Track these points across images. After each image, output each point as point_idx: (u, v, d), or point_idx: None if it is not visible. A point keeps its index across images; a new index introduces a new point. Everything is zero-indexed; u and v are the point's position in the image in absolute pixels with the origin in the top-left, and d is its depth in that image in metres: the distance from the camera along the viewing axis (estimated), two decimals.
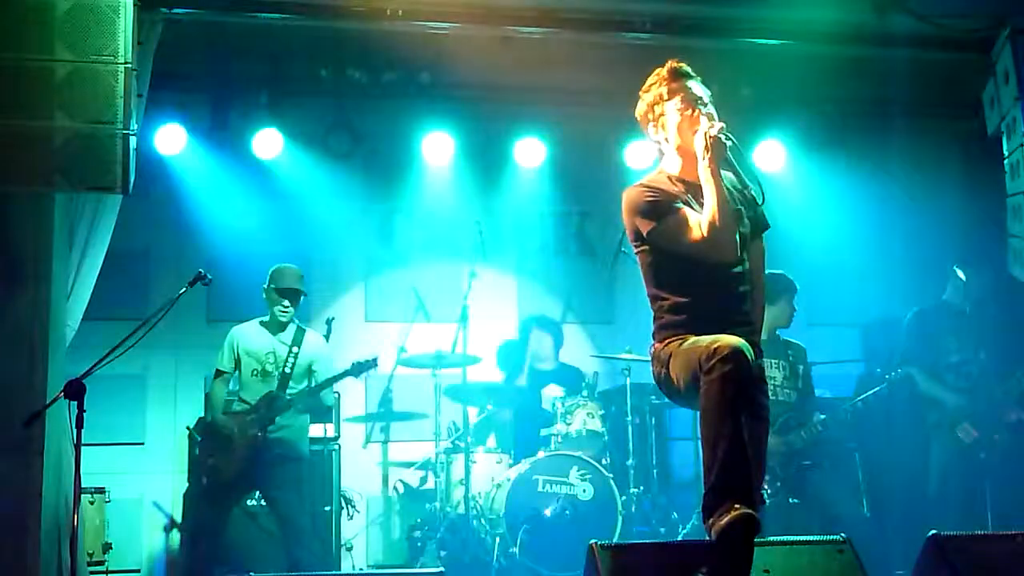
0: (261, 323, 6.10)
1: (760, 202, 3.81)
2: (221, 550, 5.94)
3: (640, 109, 3.92)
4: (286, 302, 5.99)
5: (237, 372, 6.03)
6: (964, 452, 5.88)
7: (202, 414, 6.48)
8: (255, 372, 5.98)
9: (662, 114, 3.83)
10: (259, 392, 5.93)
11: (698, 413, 3.47)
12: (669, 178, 3.82)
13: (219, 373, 6.04)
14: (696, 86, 3.81)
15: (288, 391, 5.94)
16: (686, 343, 3.59)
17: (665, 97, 3.82)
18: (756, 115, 7.52)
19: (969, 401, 5.89)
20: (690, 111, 3.76)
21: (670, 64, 3.85)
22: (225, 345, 6.03)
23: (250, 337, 6.05)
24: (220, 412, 5.96)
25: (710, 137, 3.62)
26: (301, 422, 6.04)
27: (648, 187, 3.75)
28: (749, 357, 3.36)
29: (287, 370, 5.96)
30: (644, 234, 3.72)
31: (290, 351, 5.99)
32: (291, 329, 6.08)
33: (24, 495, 5.22)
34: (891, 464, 6.64)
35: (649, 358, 3.84)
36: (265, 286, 6.05)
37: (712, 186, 3.62)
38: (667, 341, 3.70)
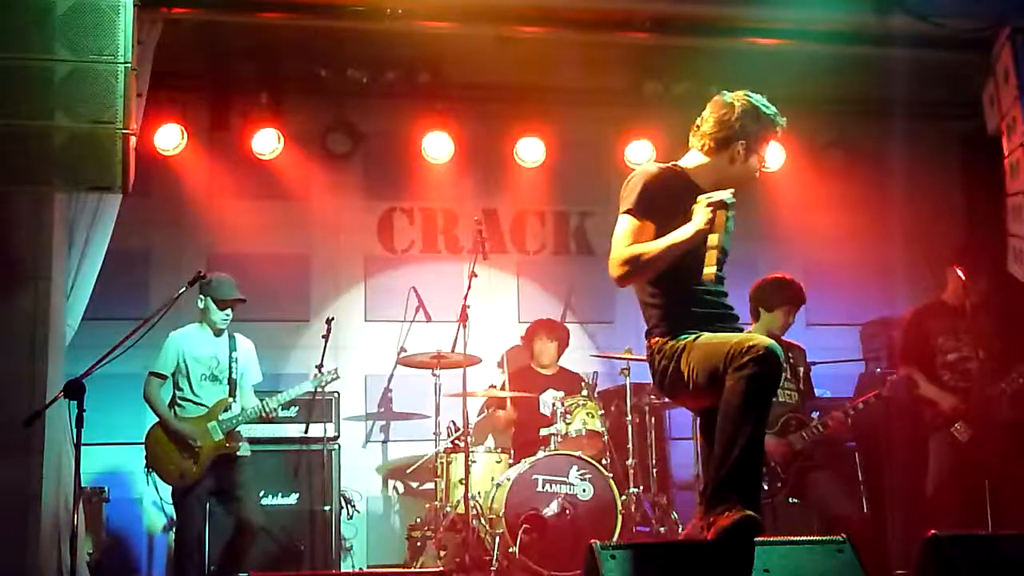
0: (200, 328, 6.13)
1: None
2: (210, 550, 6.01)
3: (727, 112, 3.75)
4: (228, 311, 6.06)
5: (178, 376, 6.02)
6: (961, 451, 5.87)
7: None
8: (204, 376, 6.03)
9: (743, 147, 3.72)
10: (211, 394, 6.01)
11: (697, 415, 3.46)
12: (687, 171, 3.76)
13: (158, 376, 6.00)
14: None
15: (233, 397, 6.08)
16: (704, 337, 3.55)
17: (756, 140, 3.75)
18: None
19: (966, 400, 5.88)
20: (754, 171, 3.77)
21: (784, 122, 3.84)
22: (167, 350, 6.00)
23: (193, 343, 6.08)
24: (173, 417, 5.95)
25: (711, 206, 3.51)
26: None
27: (656, 178, 3.65)
28: (781, 361, 3.38)
29: (233, 376, 6.09)
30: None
31: (231, 358, 6.11)
32: (225, 334, 6.17)
33: (24, 495, 5.22)
34: (890, 464, 6.64)
35: (648, 353, 3.78)
36: (201, 297, 6.04)
37: (670, 243, 3.52)
38: (675, 335, 3.63)
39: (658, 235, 3.57)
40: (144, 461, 5.95)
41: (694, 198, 3.59)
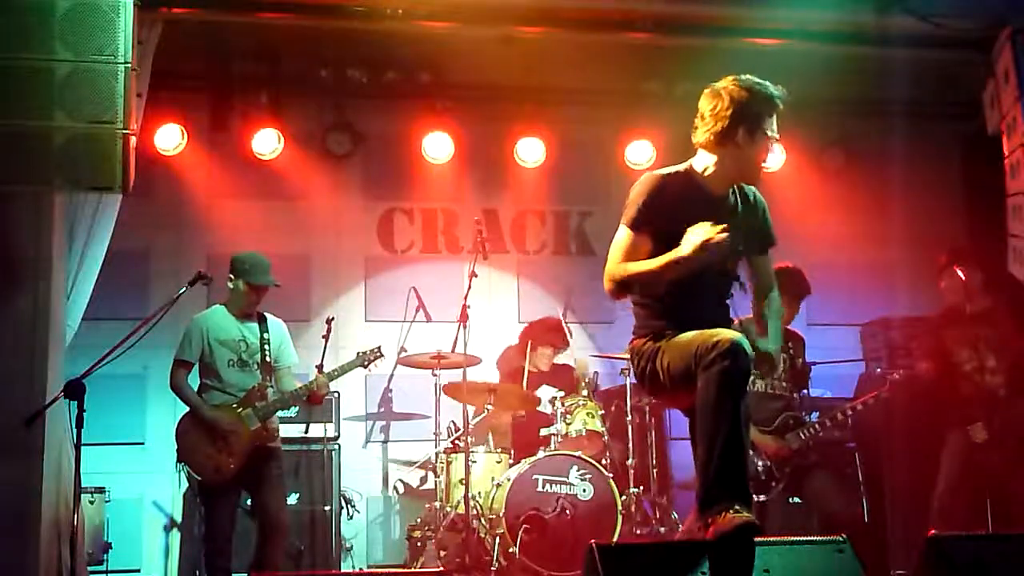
0: (226, 310, 5.70)
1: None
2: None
3: (718, 103, 3.61)
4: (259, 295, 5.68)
5: (204, 363, 5.58)
6: (974, 452, 5.86)
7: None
8: (231, 362, 5.57)
9: (745, 132, 3.59)
10: (242, 382, 5.55)
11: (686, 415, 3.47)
12: (696, 173, 3.68)
13: (184, 364, 5.56)
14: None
15: (269, 383, 5.63)
16: (677, 337, 3.58)
17: (755, 121, 3.60)
18: None
19: (979, 403, 5.86)
20: (765, 151, 3.66)
21: (781, 94, 3.67)
22: (192, 335, 5.58)
23: (219, 326, 5.62)
24: (205, 405, 5.50)
25: (700, 244, 3.40)
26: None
27: (658, 188, 3.60)
28: (748, 352, 3.37)
29: (268, 359, 5.63)
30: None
31: (263, 340, 5.66)
32: (254, 316, 5.75)
33: (24, 495, 5.22)
34: (890, 464, 6.64)
35: (628, 355, 3.82)
36: (232, 277, 5.65)
37: (658, 266, 3.49)
38: (650, 336, 3.69)
39: (658, 244, 3.54)
40: (176, 455, 5.52)
41: (703, 202, 3.60)
